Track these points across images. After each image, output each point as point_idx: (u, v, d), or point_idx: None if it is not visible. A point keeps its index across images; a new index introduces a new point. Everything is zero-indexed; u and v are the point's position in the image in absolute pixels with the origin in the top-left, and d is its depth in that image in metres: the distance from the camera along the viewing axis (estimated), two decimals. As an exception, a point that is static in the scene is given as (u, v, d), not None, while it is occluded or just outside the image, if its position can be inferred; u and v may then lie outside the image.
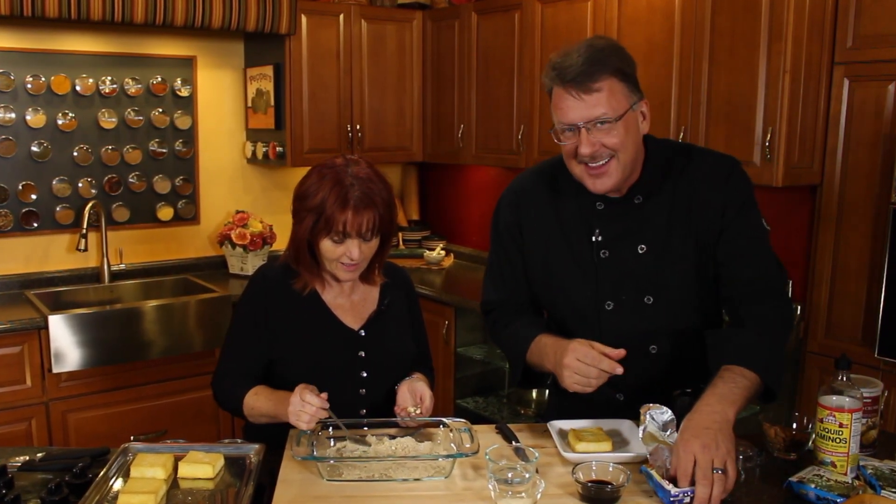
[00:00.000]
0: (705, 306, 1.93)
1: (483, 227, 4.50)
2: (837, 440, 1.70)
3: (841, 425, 1.70)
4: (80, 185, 3.98)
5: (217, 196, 4.43)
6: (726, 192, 1.85)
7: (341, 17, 4.29)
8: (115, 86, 4.01)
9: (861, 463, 1.73)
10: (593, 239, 1.92)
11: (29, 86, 3.79)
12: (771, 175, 2.99)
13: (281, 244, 3.50)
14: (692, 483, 1.52)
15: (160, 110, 4.15)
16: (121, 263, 4.14)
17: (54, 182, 3.91)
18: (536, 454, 1.69)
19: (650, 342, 1.93)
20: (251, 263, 4.25)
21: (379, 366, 2.06)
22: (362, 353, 2.05)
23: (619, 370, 1.71)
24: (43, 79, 3.82)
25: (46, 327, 3.33)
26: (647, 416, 1.67)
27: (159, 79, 4.13)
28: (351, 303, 2.09)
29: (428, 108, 4.62)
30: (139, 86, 4.08)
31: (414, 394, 1.98)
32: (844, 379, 1.74)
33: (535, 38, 3.87)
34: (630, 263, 1.89)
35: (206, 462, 1.73)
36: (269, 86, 4.23)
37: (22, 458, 1.85)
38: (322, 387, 1.87)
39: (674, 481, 1.55)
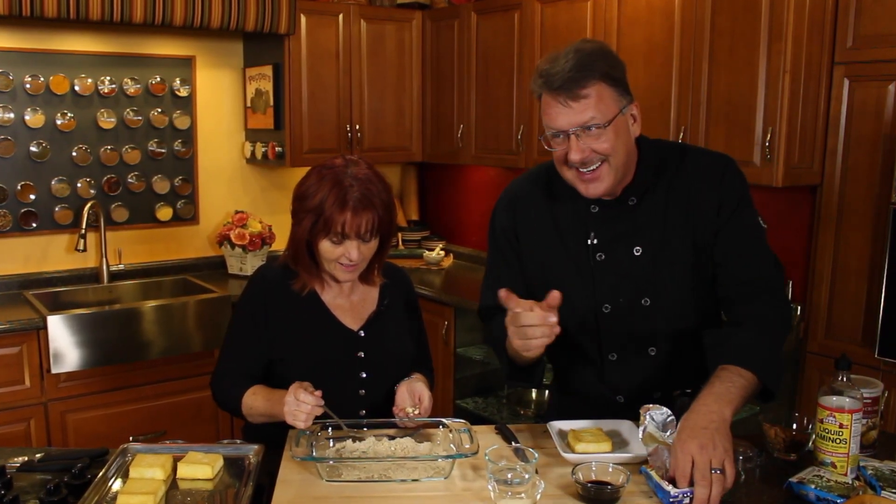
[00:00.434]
0: (704, 307, 1.92)
1: (483, 228, 4.50)
2: (837, 441, 1.70)
3: (841, 426, 1.69)
4: (78, 185, 3.97)
5: (216, 196, 4.43)
6: (721, 190, 1.84)
7: (340, 16, 4.29)
8: (113, 86, 4.01)
9: (861, 463, 1.73)
10: (589, 242, 1.91)
11: (28, 86, 3.79)
12: (771, 175, 2.99)
13: (280, 244, 3.50)
14: (691, 483, 1.52)
15: (159, 110, 4.15)
16: (120, 264, 4.13)
17: (53, 182, 3.91)
18: (536, 455, 1.69)
19: (649, 344, 1.93)
20: (250, 264, 4.24)
21: (378, 366, 2.06)
22: (361, 354, 2.05)
23: (553, 320, 1.64)
24: (42, 79, 3.82)
25: (45, 328, 3.32)
26: (647, 416, 1.67)
27: (158, 79, 4.13)
28: (350, 303, 2.09)
29: (427, 109, 4.62)
30: (138, 86, 4.07)
31: (412, 394, 1.98)
32: (844, 379, 1.74)
33: (534, 38, 3.87)
34: (626, 266, 1.89)
35: (205, 463, 1.73)
36: (268, 86, 4.23)
37: (21, 458, 1.84)
38: (321, 387, 1.86)
39: (673, 482, 1.55)
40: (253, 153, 4.40)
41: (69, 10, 3.45)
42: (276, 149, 4.24)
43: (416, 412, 1.94)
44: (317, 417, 1.82)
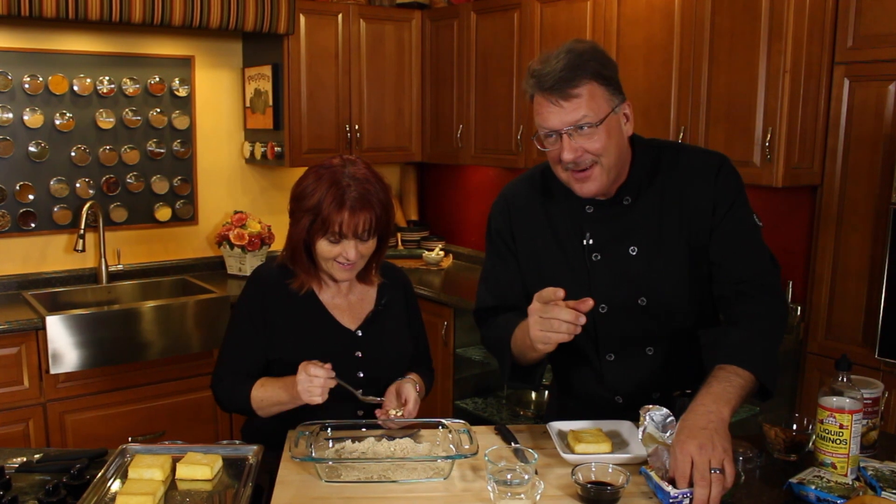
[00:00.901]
0: (701, 306, 1.92)
1: (482, 228, 4.48)
2: (838, 441, 1.70)
3: (841, 426, 1.69)
4: (77, 185, 3.97)
5: (215, 196, 4.43)
6: (716, 189, 1.85)
7: (340, 16, 4.28)
8: (112, 86, 4.00)
9: (861, 464, 1.73)
10: (585, 242, 1.91)
11: (26, 86, 3.78)
12: (771, 175, 2.99)
13: (279, 245, 3.50)
14: (691, 484, 1.51)
15: (158, 110, 4.15)
16: (119, 264, 4.13)
17: (52, 182, 3.91)
18: (536, 455, 1.68)
19: (646, 344, 1.93)
20: (249, 264, 4.24)
21: (376, 366, 2.06)
22: (359, 353, 2.05)
23: (583, 320, 1.65)
24: (40, 79, 3.81)
25: (44, 328, 3.32)
26: (647, 417, 1.67)
27: (157, 79, 4.12)
28: (348, 303, 2.09)
29: (427, 109, 4.62)
30: (137, 86, 4.07)
31: (400, 395, 1.98)
32: (845, 380, 1.73)
33: (534, 38, 3.87)
34: (622, 265, 1.89)
35: (205, 463, 1.72)
36: (267, 86, 4.23)
37: (19, 459, 1.84)
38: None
39: (673, 482, 1.55)
40: (252, 153, 4.40)
41: (68, 9, 3.45)
42: (276, 149, 4.24)
43: (399, 414, 1.93)
44: (331, 391, 1.85)
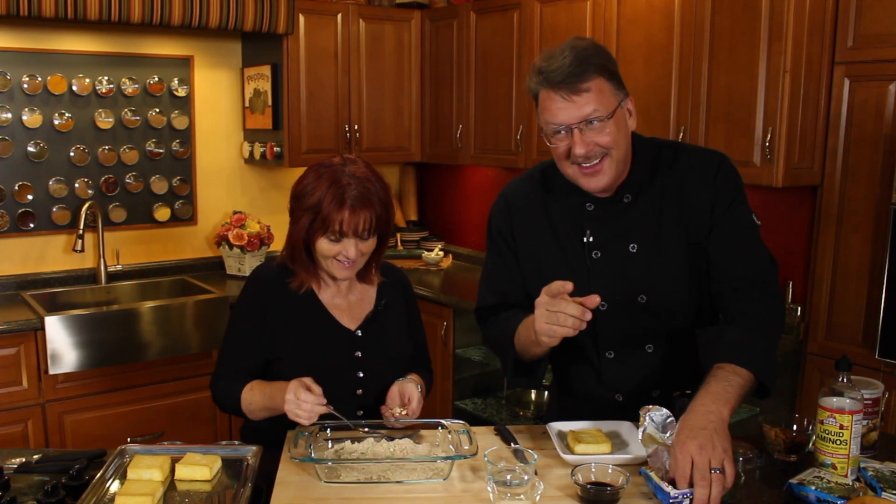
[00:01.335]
0: (700, 304, 1.92)
1: (482, 228, 4.49)
2: (838, 442, 1.70)
3: (841, 427, 1.69)
4: (76, 185, 3.96)
5: (214, 196, 4.42)
6: (715, 187, 1.85)
7: (339, 16, 4.28)
8: (111, 86, 4.00)
9: (862, 465, 1.73)
10: (585, 240, 1.92)
11: (25, 86, 3.78)
12: (771, 175, 2.98)
13: (278, 245, 3.48)
14: (691, 484, 1.51)
15: (157, 110, 4.14)
16: (117, 264, 4.12)
17: (51, 182, 3.90)
18: (535, 456, 1.68)
19: (646, 341, 1.93)
20: (248, 264, 4.23)
21: (375, 366, 2.06)
22: (359, 354, 2.05)
23: (589, 316, 1.66)
24: (39, 79, 3.81)
25: (43, 328, 3.31)
26: (647, 417, 1.67)
27: (156, 79, 4.12)
28: (348, 303, 2.08)
29: (426, 109, 4.61)
30: (136, 86, 4.06)
31: (403, 395, 1.98)
32: (845, 380, 1.73)
33: (533, 38, 3.87)
34: (622, 263, 1.89)
35: (204, 464, 1.72)
36: (266, 86, 4.22)
37: (18, 459, 1.84)
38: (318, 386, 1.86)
39: (673, 483, 1.54)
40: (251, 153, 4.40)
41: (67, 9, 3.45)
42: (275, 149, 4.23)
43: (404, 413, 1.93)
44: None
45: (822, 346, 3.14)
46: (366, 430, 1.90)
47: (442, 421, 1.89)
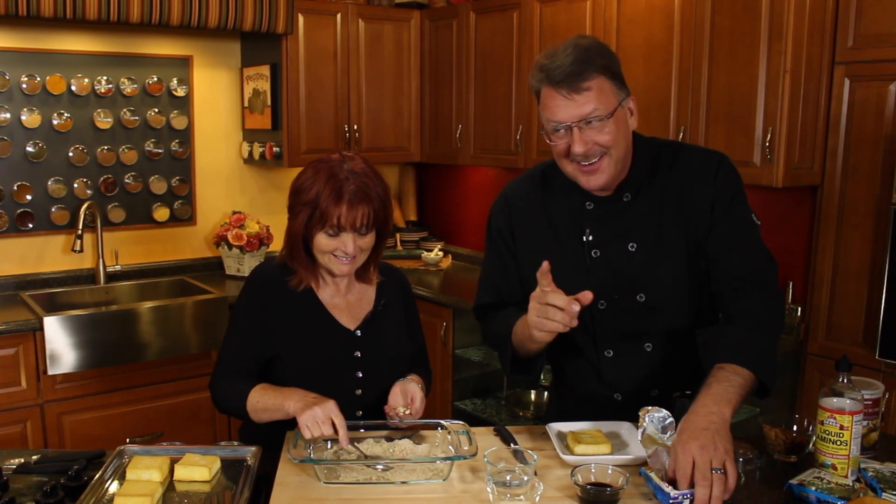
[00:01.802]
0: (699, 303, 1.92)
1: (481, 228, 4.49)
2: (838, 442, 1.69)
3: (842, 427, 1.69)
4: (75, 185, 3.96)
5: (213, 197, 4.42)
6: (715, 187, 1.86)
7: (338, 16, 4.28)
8: (110, 86, 3.99)
9: (862, 465, 1.73)
10: (584, 239, 1.92)
11: (24, 86, 3.78)
12: (771, 175, 2.98)
13: (277, 245, 3.48)
14: (692, 485, 1.51)
15: (156, 110, 4.14)
16: (116, 265, 4.12)
17: (49, 182, 3.90)
18: (535, 456, 1.67)
19: (645, 340, 1.93)
20: (248, 265, 4.23)
21: (375, 366, 2.05)
22: (358, 354, 2.04)
23: (576, 309, 1.67)
24: (38, 78, 3.80)
25: (42, 329, 3.31)
26: (647, 418, 1.67)
27: (155, 78, 4.11)
28: (347, 303, 2.08)
29: (426, 109, 4.61)
30: (135, 86, 4.06)
31: (405, 394, 1.97)
32: (845, 381, 1.73)
33: (533, 38, 3.86)
34: (621, 262, 1.90)
35: (203, 464, 1.72)
36: (265, 86, 4.22)
37: (17, 460, 1.83)
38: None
39: (673, 483, 1.54)
40: (250, 153, 4.39)
41: (66, 9, 3.44)
42: (274, 149, 4.23)
43: (408, 412, 1.93)
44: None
45: (822, 346, 3.13)
46: (362, 430, 1.90)
47: (441, 421, 1.89)
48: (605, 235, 1.91)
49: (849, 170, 3.01)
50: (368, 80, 4.43)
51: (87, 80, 3.92)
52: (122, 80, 4.02)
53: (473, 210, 4.82)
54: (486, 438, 1.92)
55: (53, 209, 3.92)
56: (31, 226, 3.88)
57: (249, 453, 1.80)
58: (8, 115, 3.75)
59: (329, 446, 1.82)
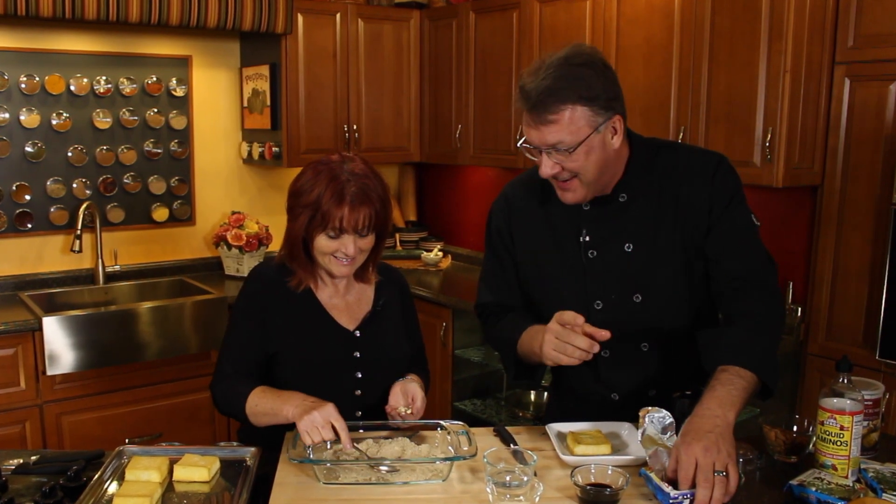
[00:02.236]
0: (697, 304, 1.92)
1: (481, 228, 4.48)
2: (838, 443, 1.69)
3: (842, 428, 1.68)
4: (74, 185, 3.96)
5: (213, 197, 4.42)
6: (713, 188, 1.85)
7: (338, 16, 4.27)
8: (109, 86, 3.99)
9: (862, 466, 1.72)
10: (581, 239, 1.93)
11: (23, 86, 3.77)
12: (771, 175, 2.98)
13: (277, 245, 3.48)
14: (692, 486, 1.51)
15: (155, 110, 4.14)
16: (116, 265, 4.12)
17: (48, 183, 3.89)
18: (535, 457, 1.67)
19: (641, 340, 1.94)
20: (247, 265, 4.23)
21: (374, 366, 2.05)
22: (357, 354, 2.04)
23: (596, 349, 1.72)
24: (37, 78, 3.80)
25: (41, 329, 3.31)
26: (647, 418, 1.67)
27: (154, 78, 4.11)
28: (346, 303, 2.08)
29: (425, 109, 4.61)
30: (134, 86, 4.06)
31: (406, 394, 1.97)
32: (845, 381, 1.73)
33: (533, 38, 3.86)
34: (618, 262, 1.90)
35: (202, 465, 1.71)
36: (265, 86, 4.22)
37: (16, 461, 1.83)
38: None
39: (673, 483, 1.54)
40: (250, 153, 4.39)
41: (65, 9, 3.44)
42: (273, 149, 4.23)
43: (409, 412, 1.93)
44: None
45: (822, 346, 3.13)
46: (362, 431, 1.89)
47: (441, 422, 1.89)
48: (602, 236, 1.91)
49: (849, 170, 3.01)
50: (368, 80, 4.43)
51: (86, 80, 3.92)
52: (121, 80, 4.02)
53: (473, 210, 4.81)
54: (485, 439, 1.92)
55: (52, 209, 3.92)
56: (29, 226, 3.88)
57: (249, 454, 1.80)
58: (7, 115, 3.75)
59: (328, 447, 1.82)
